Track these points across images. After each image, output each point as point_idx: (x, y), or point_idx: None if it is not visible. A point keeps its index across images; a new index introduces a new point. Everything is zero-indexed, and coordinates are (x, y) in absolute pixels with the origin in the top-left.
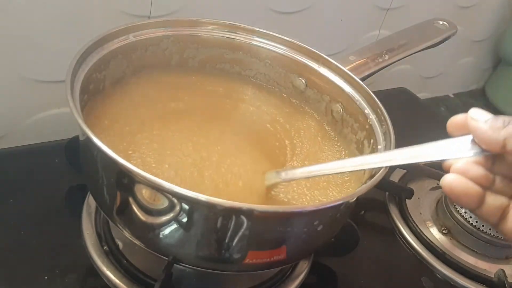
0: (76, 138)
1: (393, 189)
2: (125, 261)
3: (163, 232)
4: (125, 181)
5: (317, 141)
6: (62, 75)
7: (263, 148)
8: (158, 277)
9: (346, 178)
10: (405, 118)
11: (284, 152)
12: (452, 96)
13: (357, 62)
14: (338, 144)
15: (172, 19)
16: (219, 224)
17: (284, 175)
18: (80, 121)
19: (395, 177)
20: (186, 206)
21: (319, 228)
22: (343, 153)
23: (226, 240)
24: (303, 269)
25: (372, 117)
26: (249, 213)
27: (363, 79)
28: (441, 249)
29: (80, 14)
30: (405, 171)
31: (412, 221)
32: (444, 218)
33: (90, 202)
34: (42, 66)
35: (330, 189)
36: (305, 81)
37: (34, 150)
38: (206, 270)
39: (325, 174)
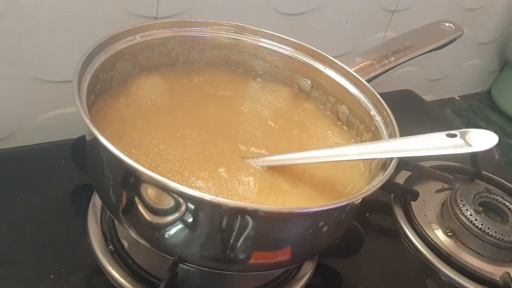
0: (82, 137)
1: (398, 191)
2: (130, 261)
3: (168, 232)
4: (131, 181)
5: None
6: (69, 75)
7: (269, 147)
8: (163, 276)
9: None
10: (411, 120)
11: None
12: (458, 98)
13: (363, 64)
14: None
15: (178, 20)
16: (224, 224)
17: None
18: (87, 121)
19: (401, 179)
20: (191, 206)
21: (324, 229)
22: None
23: (231, 240)
24: (307, 270)
25: (378, 118)
26: (254, 213)
27: (369, 81)
28: (446, 252)
29: (87, 14)
30: (410, 173)
31: (417, 223)
32: (450, 221)
33: (96, 201)
34: (49, 66)
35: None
36: (310, 83)
37: (40, 150)
38: (211, 270)
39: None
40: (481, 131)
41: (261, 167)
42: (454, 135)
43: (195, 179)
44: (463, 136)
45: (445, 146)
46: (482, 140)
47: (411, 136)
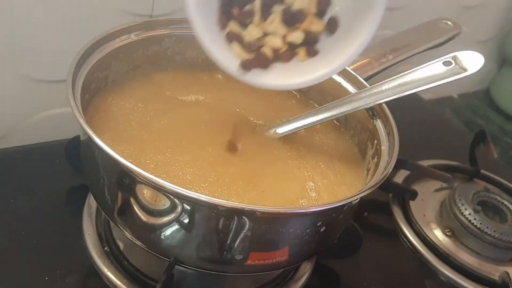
0: (77, 138)
1: (396, 191)
2: (126, 262)
3: (164, 233)
4: (127, 181)
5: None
6: (64, 74)
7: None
8: (159, 278)
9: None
10: (409, 119)
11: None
12: (456, 96)
13: (361, 62)
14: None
15: (174, 18)
16: (220, 225)
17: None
18: (81, 121)
19: (399, 179)
20: (187, 207)
21: (322, 229)
22: None
23: (228, 241)
24: (305, 271)
25: (376, 117)
26: (251, 214)
27: (366, 79)
28: (444, 251)
29: (81, 13)
30: (409, 172)
31: (415, 223)
32: (448, 220)
33: (91, 202)
34: (43, 65)
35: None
36: None
37: (35, 150)
38: (207, 272)
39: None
40: (467, 53)
41: None
42: (450, 63)
43: (191, 178)
44: (456, 62)
45: (445, 74)
46: (471, 61)
47: (409, 70)
